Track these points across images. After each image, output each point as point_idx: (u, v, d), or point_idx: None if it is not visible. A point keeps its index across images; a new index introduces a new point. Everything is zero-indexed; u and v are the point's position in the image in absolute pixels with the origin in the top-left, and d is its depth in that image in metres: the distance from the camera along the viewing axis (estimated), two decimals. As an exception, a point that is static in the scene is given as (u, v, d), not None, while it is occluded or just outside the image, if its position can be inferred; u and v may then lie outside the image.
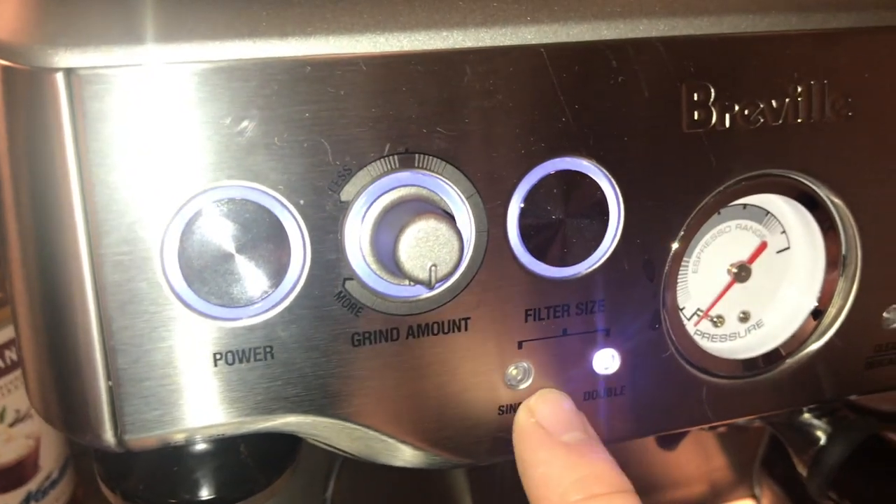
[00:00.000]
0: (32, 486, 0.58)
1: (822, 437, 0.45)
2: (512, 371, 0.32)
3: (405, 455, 0.32)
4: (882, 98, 0.33)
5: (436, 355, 0.31)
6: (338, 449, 0.33)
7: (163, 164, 0.26)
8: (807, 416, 0.45)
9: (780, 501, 0.64)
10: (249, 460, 0.37)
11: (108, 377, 0.28)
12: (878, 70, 0.33)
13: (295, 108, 0.27)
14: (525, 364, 0.32)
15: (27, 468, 0.58)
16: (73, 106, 0.25)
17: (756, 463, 0.66)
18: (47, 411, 0.29)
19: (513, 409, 0.32)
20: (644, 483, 0.65)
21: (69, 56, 0.25)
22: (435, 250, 0.27)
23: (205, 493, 0.36)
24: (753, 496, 0.67)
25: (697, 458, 0.67)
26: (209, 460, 0.37)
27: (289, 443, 0.37)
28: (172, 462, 0.36)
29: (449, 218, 0.28)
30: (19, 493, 0.57)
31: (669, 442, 0.61)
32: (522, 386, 0.32)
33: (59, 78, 0.25)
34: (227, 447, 0.36)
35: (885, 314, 0.36)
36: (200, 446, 0.36)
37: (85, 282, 0.27)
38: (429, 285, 0.27)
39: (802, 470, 0.46)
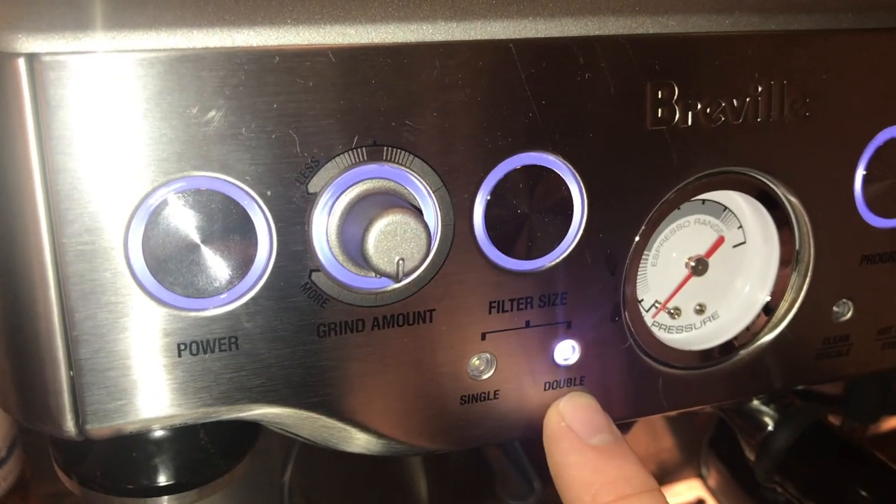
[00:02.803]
0: (-23, 466, 0.57)
1: (770, 424, 0.46)
2: (475, 362, 0.32)
3: (368, 444, 0.32)
4: (839, 99, 0.34)
5: (400, 346, 0.31)
6: (299, 436, 0.33)
7: (128, 153, 0.26)
8: (755, 402, 0.46)
9: (726, 482, 0.65)
10: (209, 446, 0.37)
11: (70, 367, 0.27)
12: (836, 71, 0.34)
13: (263, 99, 0.27)
14: (488, 355, 0.32)
15: (-27, 449, 0.57)
16: (35, 92, 0.25)
17: (703, 444, 0.68)
18: (6, 400, 0.29)
19: (475, 398, 0.33)
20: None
21: (31, 41, 0.25)
22: (402, 244, 0.27)
23: (164, 479, 0.36)
24: (700, 476, 0.68)
25: (646, 438, 0.69)
26: (168, 446, 0.36)
27: (249, 428, 0.37)
28: (131, 447, 0.36)
29: (417, 212, 0.28)
30: (-35, 473, 0.56)
31: (619, 424, 0.62)
32: (485, 376, 0.33)
33: (21, 63, 0.25)
34: (186, 433, 0.36)
35: (834, 308, 0.37)
36: (160, 432, 0.36)
37: (47, 271, 0.26)
38: (396, 279, 0.28)
39: (750, 454, 0.48)
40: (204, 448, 0.37)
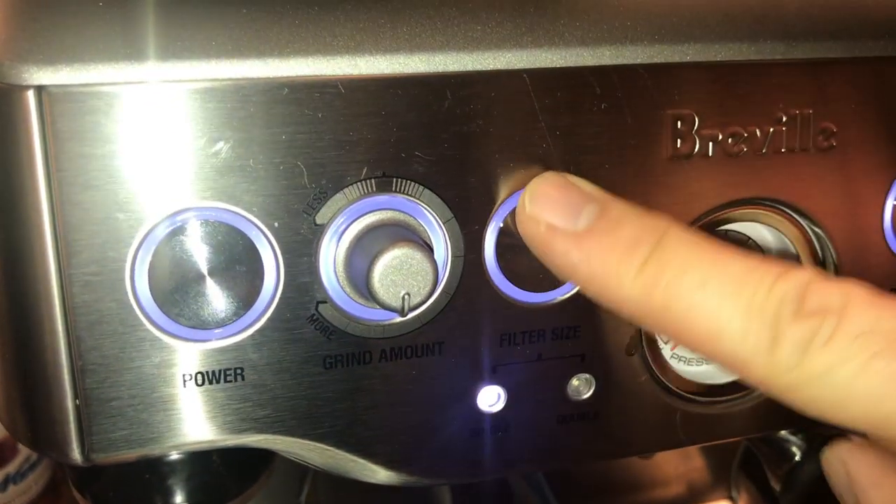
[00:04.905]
0: (11, 468, 0.58)
1: (797, 454, 0.45)
2: (485, 394, 0.32)
3: (377, 474, 0.32)
4: (867, 129, 0.33)
5: (409, 378, 0.30)
6: (309, 464, 0.33)
7: (135, 184, 0.26)
8: (783, 432, 0.45)
9: (756, 504, 0.64)
10: (222, 468, 0.37)
11: (76, 396, 0.27)
12: (865, 101, 0.33)
13: (271, 131, 0.27)
14: (499, 388, 0.32)
15: (5, 451, 0.57)
16: (43, 124, 0.25)
17: (734, 465, 0.66)
18: (14, 426, 0.29)
19: (485, 431, 0.32)
20: (622, 482, 0.65)
21: (41, 73, 0.25)
22: (409, 279, 0.27)
23: (176, 501, 0.36)
24: (730, 498, 0.67)
25: (676, 458, 0.68)
26: (181, 468, 0.37)
27: (262, 452, 0.37)
28: (144, 469, 0.36)
29: (424, 246, 0.27)
30: (-2, 476, 0.57)
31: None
32: (496, 409, 0.32)
33: (30, 95, 0.25)
34: (199, 456, 0.36)
35: (861, 343, 0.36)
36: (172, 455, 0.36)
37: (54, 301, 0.26)
38: (402, 313, 0.27)
39: (776, 485, 0.46)
40: (216, 471, 0.37)
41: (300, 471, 0.45)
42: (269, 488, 0.40)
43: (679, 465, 0.68)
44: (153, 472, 0.36)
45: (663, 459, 0.67)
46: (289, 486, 0.43)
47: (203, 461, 0.36)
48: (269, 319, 0.28)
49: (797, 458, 0.45)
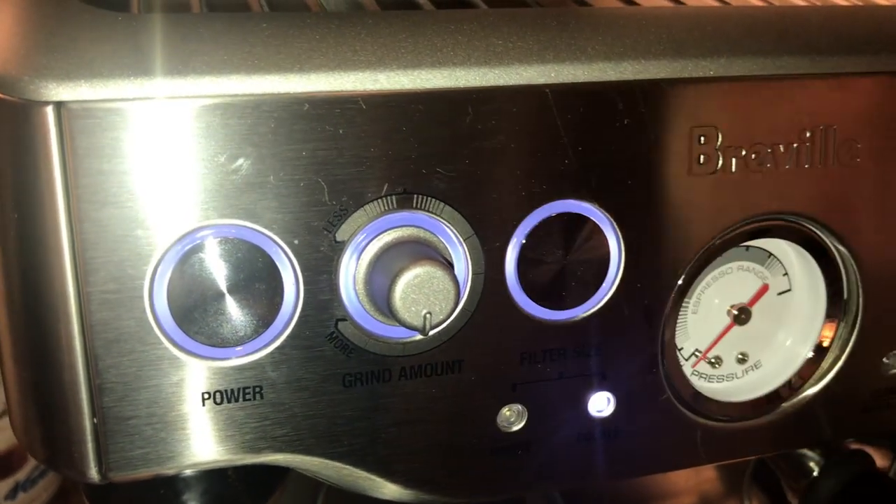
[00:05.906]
0: (21, 475, 0.58)
1: (815, 470, 0.45)
2: (505, 412, 0.31)
3: (394, 492, 0.32)
4: (891, 144, 0.33)
5: (428, 397, 0.30)
6: (326, 481, 0.33)
7: (154, 201, 0.26)
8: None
9: (768, 515, 0.63)
10: (237, 483, 0.37)
11: (94, 415, 0.27)
12: (889, 115, 0.32)
13: (292, 147, 0.27)
14: (519, 406, 0.31)
15: (16, 458, 0.57)
16: (62, 140, 0.25)
17: (746, 476, 0.66)
18: (31, 445, 0.29)
19: (505, 450, 0.32)
20: (633, 493, 0.65)
21: (60, 89, 0.25)
22: (430, 298, 0.27)
23: (191, 516, 0.36)
24: (742, 509, 0.67)
25: (688, 469, 0.67)
26: (196, 483, 0.36)
27: (277, 467, 0.37)
28: (159, 483, 0.36)
29: (446, 265, 0.27)
30: (8, 483, 0.57)
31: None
32: (515, 428, 0.32)
33: (49, 111, 0.25)
34: (214, 470, 0.36)
35: (884, 360, 0.36)
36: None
37: (72, 319, 0.26)
38: (423, 332, 0.27)
39: (793, 499, 0.46)
40: (231, 485, 0.37)
41: (314, 484, 0.44)
42: (284, 502, 0.39)
43: (691, 476, 0.68)
44: (168, 487, 0.36)
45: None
46: (302, 499, 0.43)
47: (218, 475, 0.36)
48: (288, 337, 0.28)
49: (815, 473, 0.45)
